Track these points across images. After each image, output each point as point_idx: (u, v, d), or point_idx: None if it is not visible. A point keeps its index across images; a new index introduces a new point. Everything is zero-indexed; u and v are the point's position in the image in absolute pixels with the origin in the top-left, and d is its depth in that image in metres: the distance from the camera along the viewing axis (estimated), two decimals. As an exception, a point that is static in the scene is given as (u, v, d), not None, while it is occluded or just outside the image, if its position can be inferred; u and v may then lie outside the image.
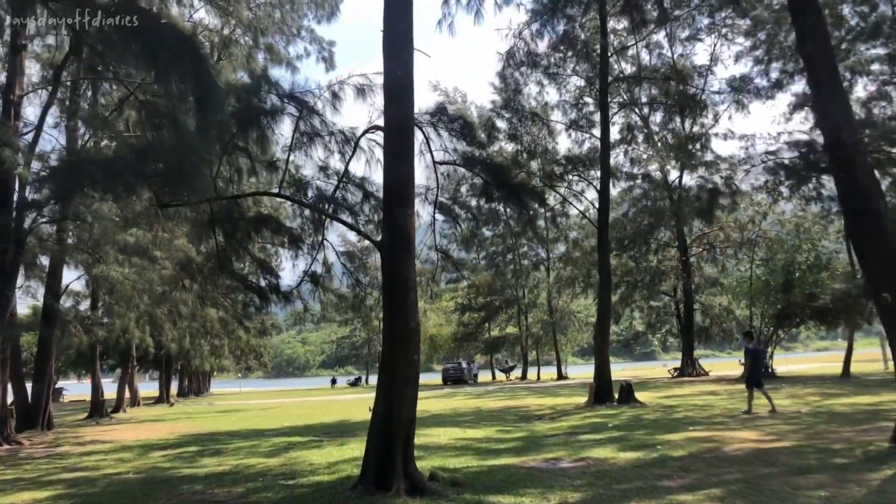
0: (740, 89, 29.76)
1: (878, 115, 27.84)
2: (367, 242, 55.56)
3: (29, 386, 21.10)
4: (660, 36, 33.90)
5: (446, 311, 62.01)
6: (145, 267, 18.87)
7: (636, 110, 35.81)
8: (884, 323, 9.32)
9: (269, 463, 10.85)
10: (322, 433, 15.50)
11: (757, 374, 15.88)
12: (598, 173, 25.54)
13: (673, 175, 38.69)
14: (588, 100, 28.17)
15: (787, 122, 33.20)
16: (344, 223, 9.48)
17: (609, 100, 24.43)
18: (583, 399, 21.92)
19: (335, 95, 8.85)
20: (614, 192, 31.35)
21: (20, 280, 19.63)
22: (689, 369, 37.12)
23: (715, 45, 35.00)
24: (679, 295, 40.48)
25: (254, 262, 11.22)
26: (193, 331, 34.12)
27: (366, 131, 9.00)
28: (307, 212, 11.14)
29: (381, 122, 8.72)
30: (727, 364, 48.26)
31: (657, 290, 41.21)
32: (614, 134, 28.72)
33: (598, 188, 23.09)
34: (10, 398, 20.11)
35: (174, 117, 6.94)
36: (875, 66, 28.30)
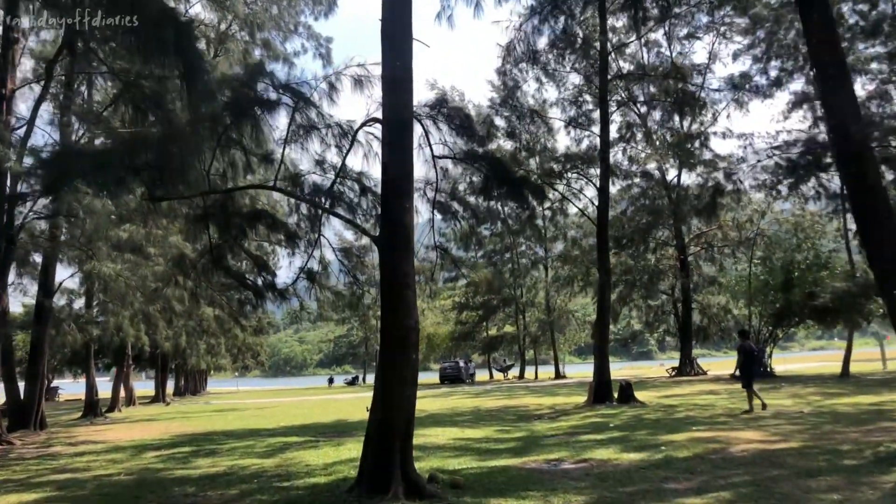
0: (740, 86, 29.59)
1: (876, 114, 27.73)
2: (364, 241, 55.27)
3: (22, 385, 20.82)
4: (658, 34, 33.79)
5: (444, 309, 61.85)
6: (138, 263, 18.60)
7: (635, 108, 35.65)
8: (893, 323, 9.12)
9: (264, 464, 10.63)
10: (318, 433, 15.28)
11: (748, 373, 15.71)
12: (597, 171, 25.35)
13: (671, 174, 38.55)
14: (587, 97, 27.95)
15: (786, 121, 33.20)
16: (341, 217, 9.24)
17: (608, 97, 24.21)
18: (582, 398, 21.73)
19: (332, 87, 8.60)
20: (613, 190, 31.15)
21: (12, 277, 19.39)
22: (687, 368, 36.96)
23: (713, 44, 34.92)
24: (677, 294, 40.33)
25: (249, 258, 10.97)
26: (189, 329, 33.87)
27: (364, 123, 8.77)
28: (303, 208, 10.91)
29: (379, 115, 8.49)
30: (725, 363, 48.14)
31: (655, 289, 41.05)
32: (613, 132, 28.53)
33: (598, 185, 22.88)
34: (2, 397, 19.88)
35: (160, 98, 6.69)
36: (874, 66, 28.21)
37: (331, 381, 67.66)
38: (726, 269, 40.58)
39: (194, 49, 6.03)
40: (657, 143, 34.91)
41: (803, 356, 75.98)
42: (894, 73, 27.44)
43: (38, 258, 20.00)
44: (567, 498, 6.99)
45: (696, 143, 34.05)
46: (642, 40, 32.33)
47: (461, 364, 50.53)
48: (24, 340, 34.72)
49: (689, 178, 37.96)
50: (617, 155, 34.13)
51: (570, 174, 26.36)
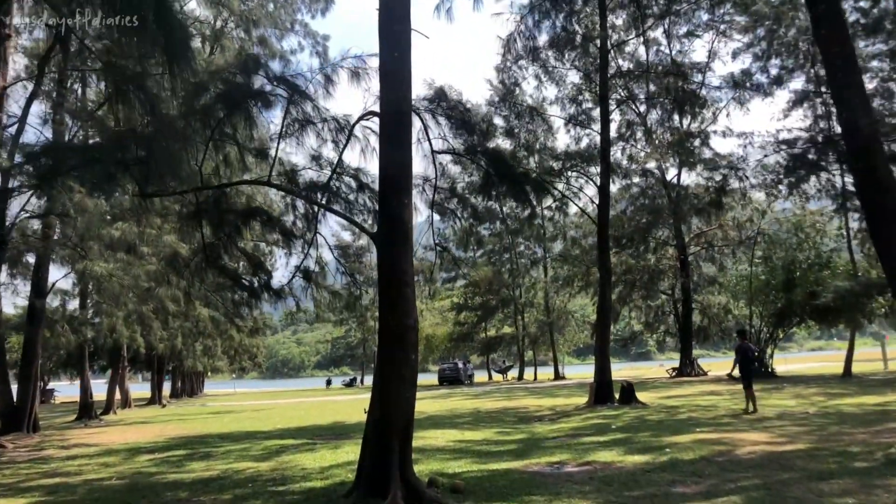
0: (741, 84, 29.40)
1: (878, 112, 27.54)
2: (362, 241, 55.57)
3: (15, 388, 20.54)
4: (657, 33, 33.57)
5: (442, 310, 61.58)
6: (131, 263, 18.31)
7: (634, 107, 35.42)
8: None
9: (259, 467, 10.37)
10: (315, 435, 15.03)
11: (747, 373, 15.56)
12: (597, 169, 25.11)
13: (671, 173, 38.33)
14: (586, 95, 27.72)
15: (786, 119, 33.02)
16: (338, 213, 9.00)
17: (608, 95, 23.96)
18: (582, 399, 21.51)
19: (328, 79, 8.35)
20: (613, 189, 30.90)
21: (4, 277, 19.12)
22: (687, 369, 36.72)
23: (713, 42, 34.72)
24: (677, 294, 40.11)
25: (243, 256, 10.71)
26: (185, 331, 33.58)
27: (361, 117, 8.52)
28: (299, 205, 10.67)
29: (376, 108, 8.25)
30: (726, 364, 47.90)
31: (655, 289, 40.81)
32: (612, 131, 28.25)
33: (599, 184, 22.63)
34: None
35: (141, 80, 6.42)
36: (874, 63, 28.01)
37: (329, 382, 67.43)
38: (727, 269, 40.35)
39: (174, 16, 5.73)
40: (657, 141, 34.69)
41: (802, 356, 75.85)
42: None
43: (30, 259, 19.73)
44: (571, 503, 6.75)
45: (697, 142, 33.82)
46: (641, 38, 32.09)
47: (460, 365, 50.22)
48: (18, 342, 34.36)
49: (690, 178, 37.79)
50: (616, 154, 33.89)
51: (570, 173, 26.09)
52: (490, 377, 58.21)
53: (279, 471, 9.84)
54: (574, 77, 27.76)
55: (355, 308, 50.39)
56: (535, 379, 50.48)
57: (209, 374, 63.97)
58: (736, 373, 16.33)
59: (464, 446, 11.87)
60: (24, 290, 21.25)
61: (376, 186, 9.10)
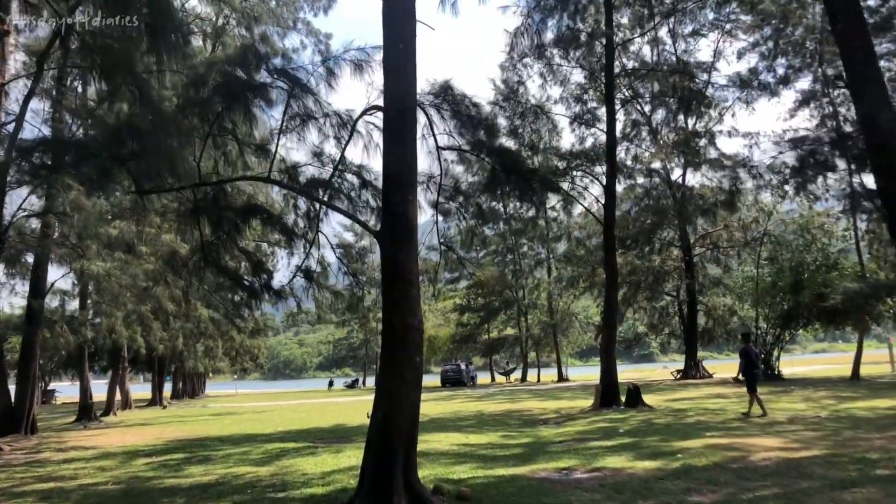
0: (749, 82, 29.10)
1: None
2: (364, 242, 55.28)
3: (13, 389, 20.30)
4: (662, 32, 33.33)
5: (444, 312, 61.32)
6: (129, 262, 18.05)
7: (639, 106, 35.17)
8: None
9: (259, 472, 10.10)
10: (317, 438, 14.76)
11: (751, 376, 15.30)
12: (602, 169, 24.83)
13: (676, 173, 38.01)
14: (592, 94, 27.44)
15: (792, 119, 32.72)
16: (340, 211, 8.72)
17: (614, 94, 23.66)
18: (586, 402, 21.22)
19: (330, 72, 8.07)
20: (618, 189, 30.60)
21: (3, 278, 18.90)
22: (692, 371, 36.38)
23: (718, 42, 34.46)
24: (682, 295, 39.77)
25: (243, 255, 10.44)
26: (186, 332, 33.35)
27: (364, 112, 8.25)
28: (301, 204, 10.41)
29: (380, 102, 7.99)
30: (730, 366, 47.56)
31: (660, 291, 40.48)
32: (617, 131, 27.94)
33: (605, 184, 22.33)
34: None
35: (129, 58, 6.15)
36: (882, 63, 27.71)
37: (331, 384, 67.18)
38: (732, 271, 39.99)
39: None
40: (661, 141, 34.42)
41: (806, 358, 75.45)
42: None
43: (29, 258, 19.50)
44: (583, 512, 6.48)
45: (703, 142, 33.53)
46: (646, 37, 31.84)
47: (463, 367, 49.90)
48: (18, 343, 34.13)
49: (695, 178, 37.49)
50: (620, 154, 33.61)
51: (575, 172, 25.80)
52: (493, 379, 57.90)
53: (279, 476, 9.57)
54: (579, 76, 27.53)
55: (358, 309, 50.32)
56: (539, 381, 50.16)
57: (210, 375, 63.78)
58: (741, 376, 16.08)
59: (468, 450, 11.61)
60: (23, 291, 21.07)
61: (379, 184, 8.85)
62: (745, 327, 32.99)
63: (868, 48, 8.79)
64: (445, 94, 8.49)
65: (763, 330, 30.80)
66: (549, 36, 22.39)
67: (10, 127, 16.37)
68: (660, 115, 36.48)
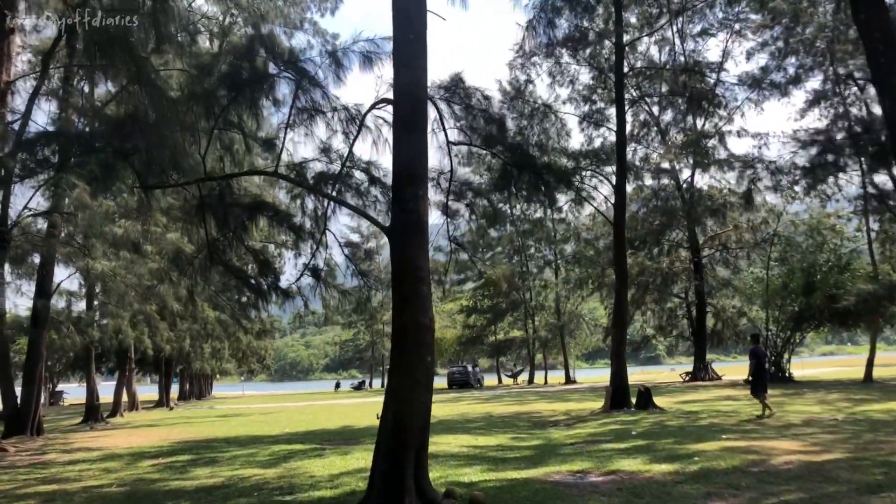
0: (761, 80, 28.82)
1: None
2: (371, 243, 55.12)
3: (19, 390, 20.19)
4: (670, 32, 33.04)
5: (451, 313, 61.09)
6: (134, 261, 17.90)
7: (647, 106, 34.90)
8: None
9: (265, 474, 9.91)
10: (324, 440, 14.57)
11: (760, 378, 15.05)
12: (611, 169, 24.56)
13: (685, 174, 37.70)
14: (600, 93, 27.20)
15: (803, 119, 32.36)
16: (349, 206, 8.51)
17: (623, 93, 23.39)
18: (595, 404, 20.97)
19: (338, 64, 7.86)
20: (627, 189, 30.38)
21: (8, 278, 18.79)
22: (701, 373, 36.03)
23: (727, 42, 34.18)
24: (691, 297, 39.43)
25: (249, 254, 10.26)
26: (193, 333, 33.25)
27: (374, 105, 8.05)
28: (308, 202, 10.21)
29: (390, 96, 7.79)
30: (738, 368, 47.12)
31: (669, 292, 40.14)
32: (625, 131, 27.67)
33: (615, 184, 22.06)
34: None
35: (127, 36, 5.97)
36: None
37: (337, 385, 67.02)
38: (741, 272, 39.60)
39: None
40: (669, 142, 34.14)
41: (815, 361, 74.82)
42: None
43: (35, 259, 19.39)
44: (601, 517, 6.26)
45: (713, 142, 33.24)
46: (654, 37, 31.60)
47: (469, 369, 49.64)
48: (25, 345, 34.10)
49: (703, 179, 37.18)
50: (629, 154, 33.36)
51: (584, 172, 25.55)
52: (500, 381, 57.62)
53: (286, 478, 9.37)
54: (587, 76, 27.30)
55: (366, 309, 50.12)
56: (546, 383, 49.84)
57: (217, 376, 63.76)
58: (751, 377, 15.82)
59: (478, 452, 11.39)
60: (29, 291, 20.96)
61: (388, 181, 8.67)
62: (755, 329, 32.64)
63: (891, 39, 8.53)
64: (456, 88, 8.29)
65: (773, 332, 30.43)
66: (559, 34, 22.11)
67: (17, 126, 16.28)
68: (668, 115, 36.24)
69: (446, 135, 8.53)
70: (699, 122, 35.00)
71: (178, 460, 12.40)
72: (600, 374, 58.90)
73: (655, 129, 36.03)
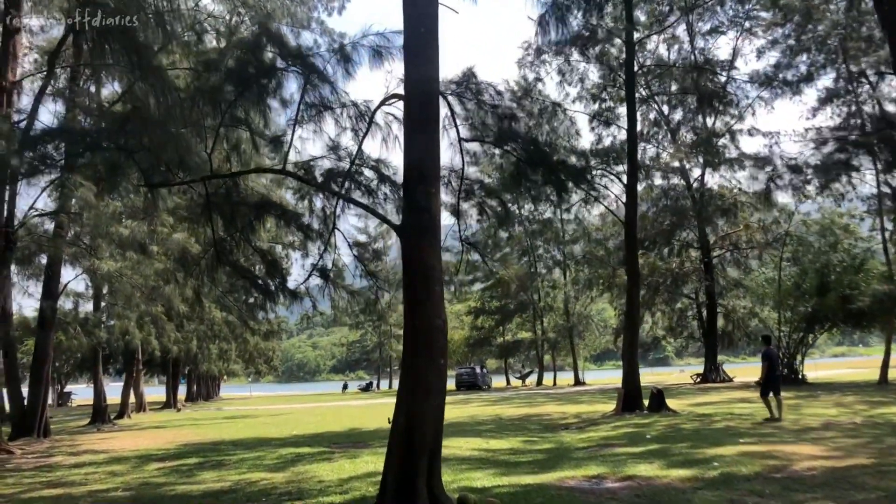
0: (773, 78, 28.45)
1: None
2: (379, 244, 55.01)
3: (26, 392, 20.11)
4: (679, 30, 32.76)
5: (459, 314, 60.89)
6: (140, 262, 17.77)
7: (657, 105, 34.61)
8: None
9: (273, 478, 9.71)
10: (332, 443, 14.37)
11: (772, 379, 14.77)
12: (623, 167, 24.28)
13: (695, 173, 37.32)
14: (610, 92, 26.95)
15: (815, 117, 31.96)
16: (359, 204, 8.31)
17: (634, 91, 23.13)
18: (606, 406, 20.70)
19: (347, 59, 7.66)
20: (637, 189, 30.08)
21: (15, 279, 18.71)
22: (712, 375, 35.62)
23: (737, 40, 33.84)
24: (701, 298, 39.04)
25: (256, 254, 10.08)
26: (200, 334, 33.17)
27: (384, 101, 7.85)
28: (316, 202, 10.03)
29: (400, 91, 7.59)
30: (750, 370, 46.64)
31: (679, 293, 39.77)
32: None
33: (626, 183, 21.78)
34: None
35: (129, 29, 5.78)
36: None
37: (345, 387, 66.90)
38: (752, 272, 39.16)
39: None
40: (680, 141, 33.83)
41: (826, 362, 74.08)
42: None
43: (42, 259, 19.31)
44: (621, 526, 6.02)
45: (724, 141, 32.88)
46: (663, 35, 31.32)
47: (478, 370, 49.39)
48: (33, 346, 34.10)
49: (714, 178, 36.80)
50: (639, 154, 33.07)
51: (594, 171, 25.29)
52: (508, 382, 57.36)
53: (295, 483, 9.18)
54: (596, 74, 27.06)
55: (374, 310, 49.94)
56: (555, 384, 49.54)
57: (225, 377, 63.76)
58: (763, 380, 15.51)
59: (489, 456, 11.18)
60: (37, 292, 20.89)
61: (399, 179, 8.47)
62: (766, 330, 32.26)
63: (916, 32, 8.29)
64: (468, 83, 8.08)
65: (785, 333, 30.05)
66: (569, 32, 21.86)
67: (23, 125, 16.18)
68: (678, 114, 35.93)
69: (458, 131, 8.33)
70: (710, 121, 34.65)
71: (185, 463, 12.24)
72: (609, 376, 58.55)
73: (665, 128, 35.71)
